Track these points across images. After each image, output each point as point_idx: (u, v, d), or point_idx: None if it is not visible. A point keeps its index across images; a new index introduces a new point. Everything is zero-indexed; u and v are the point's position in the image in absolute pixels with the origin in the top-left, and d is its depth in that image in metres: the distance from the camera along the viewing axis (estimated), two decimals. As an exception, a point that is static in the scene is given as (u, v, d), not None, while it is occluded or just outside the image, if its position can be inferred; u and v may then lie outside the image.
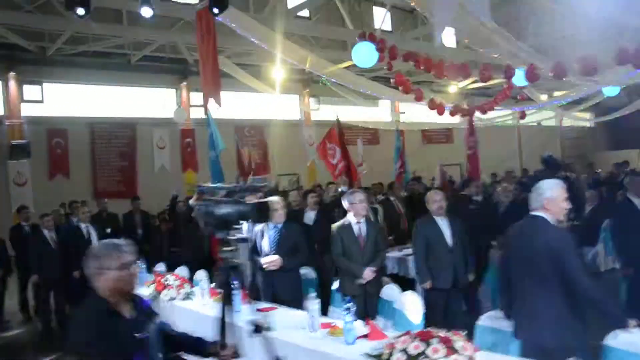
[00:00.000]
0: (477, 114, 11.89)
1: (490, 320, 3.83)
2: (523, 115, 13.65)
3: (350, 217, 5.01)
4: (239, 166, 9.06)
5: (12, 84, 12.88)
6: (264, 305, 4.98)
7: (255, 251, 5.25)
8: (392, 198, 8.32)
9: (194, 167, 15.74)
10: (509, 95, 11.42)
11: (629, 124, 21.86)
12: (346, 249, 4.93)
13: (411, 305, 4.39)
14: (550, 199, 3.42)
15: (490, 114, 21.32)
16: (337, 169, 8.67)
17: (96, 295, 2.61)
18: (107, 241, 2.78)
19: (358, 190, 5.30)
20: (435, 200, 5.18)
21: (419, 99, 10.11)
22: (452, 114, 11.34)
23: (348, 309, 3.76)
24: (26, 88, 13.04)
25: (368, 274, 4.85)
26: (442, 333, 3.16)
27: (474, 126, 9.83)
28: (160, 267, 7.09)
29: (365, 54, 9.04)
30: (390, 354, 3.22)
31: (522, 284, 3.44)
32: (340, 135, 8.96)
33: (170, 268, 7.09)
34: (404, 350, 3.14)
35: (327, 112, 18.03)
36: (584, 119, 22.22)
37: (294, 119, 17.78)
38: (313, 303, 4.11)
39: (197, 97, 15.63)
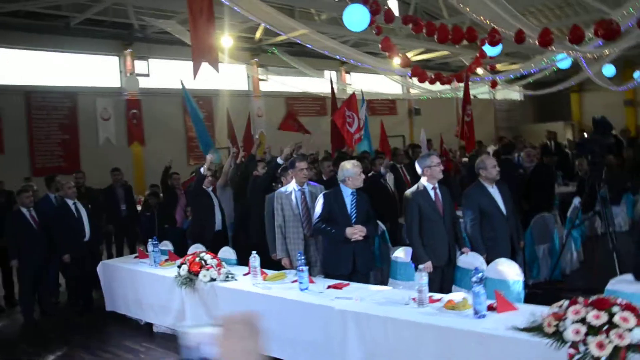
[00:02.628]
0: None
1: (619, 284, 3.69)
2: (494, 84, 13.83)
3: (424, 182, 4.67)
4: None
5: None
6: (332, 281, 4.59)
7: (329, 218, 4.78)
8: (398, 165, 8.05)
9: (140, 140, 14.69)
10: (481, 64, 11.46)
11: (554, 99, 23.21)
12: (425, 217, 4.60)
13: (511, 272, 4.17)
14: None
15: (434, 86, 21.67)
16: (354, 138, 8.26)
17: None
18: None
19: (434, 152, 4.97)
20: (494, 166, 4.93)
21: (405, 65, 9.87)
22: (442, 80, 11.18)
23: (480, 279, 3.45)
24: (-48, 53, 11.42)
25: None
26: (619, 300, 2.94)
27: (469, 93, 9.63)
28: (167, 245, 6.43)
29: (357, 17, 8.64)
30: (557, 326, 2.97)
31: None
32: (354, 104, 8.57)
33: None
34: (582, 321, 2.89)
35: (275, 83, 17.47)
36: (515, 91, 23.11)
37: (243, 89, 17.03)
38: (422, 276, 3.77)
39: (142, 66, 14.53)
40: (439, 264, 4.59)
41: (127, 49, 14.25)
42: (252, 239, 6.02)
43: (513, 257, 4.79)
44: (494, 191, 4.93)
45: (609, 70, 16.63)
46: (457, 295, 3.91)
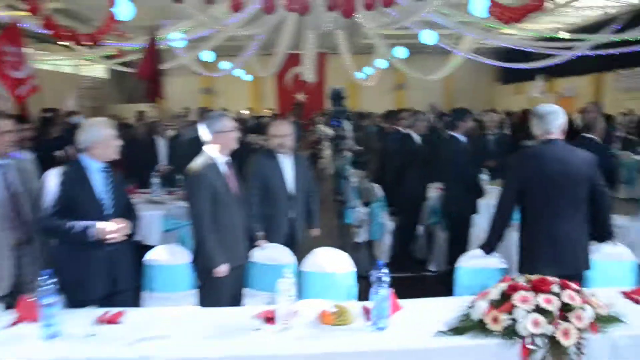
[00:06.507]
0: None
1: (471, 260, 3.38)
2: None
3: (213, 153, 3.38)
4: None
5: None
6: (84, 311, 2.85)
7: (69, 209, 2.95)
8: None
9: None
10: (112, 28, 9.86)
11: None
12: (217, 201, 3.31)
13: (336, 263, 3.41)
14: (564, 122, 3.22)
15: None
16: (23, 85, 5.44)
17: None
18: None
19: (225, 113, 3.56)
20: (276, 135, 4.04)
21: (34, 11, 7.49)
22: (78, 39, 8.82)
23: (384, 278, 2.59)
24: None
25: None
26: (552, 279, 2.60)
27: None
28: None
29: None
30: (510, 319, 2.44)
31: (550, 210, 3.15)
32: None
33: None
34: (540, 309, 2.43)
35: None
36: (99, 69, 21.79)
37: None
38: (288, 283, 2.64)
39: None
40: (235, 264, 3.42)
41: None
42: None
43: (290, 245, 3.96)
44: (287, 162, 4.07)
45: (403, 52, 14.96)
46: (311, 303, 2.92)
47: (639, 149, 9.30)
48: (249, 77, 21.64)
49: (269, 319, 2.68)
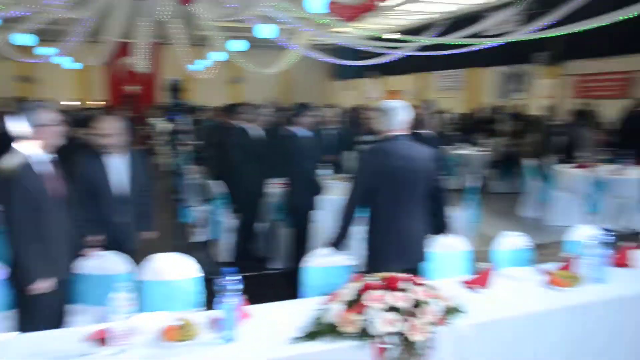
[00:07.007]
0: None
1: (318, 258, 3.29)
2: None
3: (32, 150, 2.89)
4: None
5: None
6: None
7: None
8: None
9: None
10: None
11: None
12: (37, 206, 2.85)
13: (183, 268, 3.14)
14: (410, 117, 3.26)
15: None
16: None
17: None
18: None
19: (46, 104, 3.00)
20: (107, 135, 3.64)
21: None
22: None
23: (231, 285, 2.40)
24: None
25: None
26: (402, 276, 2.63)
27: None
28: None
29: None
30: (363, 321, 2.41)
31: (395, 206, 3.17)
32: None
33: None
34: (392, 307, 2.43)
35: None
36: None
37: None
38: (123, 296, 2.34)
39: None
40: (60, 277, 2.99)
41: None
42: None
43: (124, 251, 3.58)
44: (117, 161, 3.66)
45: (243, 45, 13.31)
46: (151, 316, 2.62)
47: (458, 144, 10.15)
48: (75, 66, 19.81)
49: (102, 340, 2.35)
